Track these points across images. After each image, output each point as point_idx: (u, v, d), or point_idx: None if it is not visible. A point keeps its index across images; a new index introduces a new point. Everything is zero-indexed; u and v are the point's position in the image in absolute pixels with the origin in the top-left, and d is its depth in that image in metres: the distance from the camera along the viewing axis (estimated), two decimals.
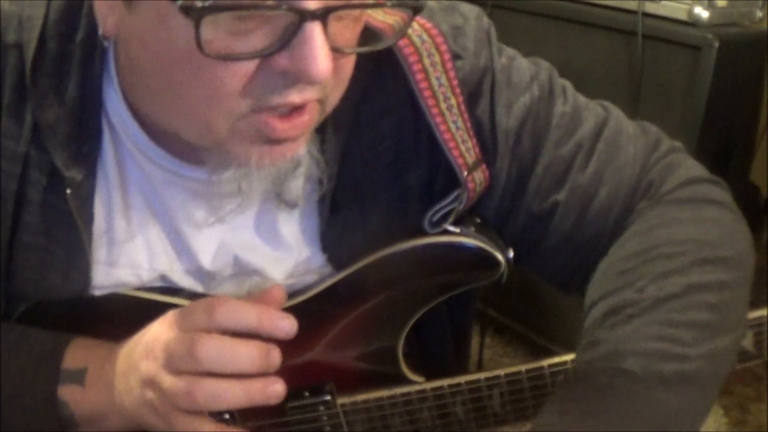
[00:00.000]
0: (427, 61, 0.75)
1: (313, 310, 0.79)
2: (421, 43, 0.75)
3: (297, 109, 0.63)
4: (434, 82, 0.75)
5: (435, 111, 0.75)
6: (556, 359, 0.80)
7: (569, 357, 0.79)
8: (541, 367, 0.80)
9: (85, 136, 0.71)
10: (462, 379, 0.80)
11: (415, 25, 0.75)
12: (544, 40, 1.79)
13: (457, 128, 0.76)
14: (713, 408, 2.10)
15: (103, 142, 0.73)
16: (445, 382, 0.80)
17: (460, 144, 0.77)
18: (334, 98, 0.67)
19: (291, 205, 0.76)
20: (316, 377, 0.80)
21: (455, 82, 0.76)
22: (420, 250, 0.78)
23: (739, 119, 1.76)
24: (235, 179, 0.67)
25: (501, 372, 0.80)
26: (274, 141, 0.64)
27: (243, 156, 0.64)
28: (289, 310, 0.78)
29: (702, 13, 1.58)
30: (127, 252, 0.76)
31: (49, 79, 0.70)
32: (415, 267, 0.79)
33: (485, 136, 0.79)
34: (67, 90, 0.70)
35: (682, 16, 1.61)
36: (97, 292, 0.76)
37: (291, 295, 0.79)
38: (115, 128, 0.73)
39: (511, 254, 0.80)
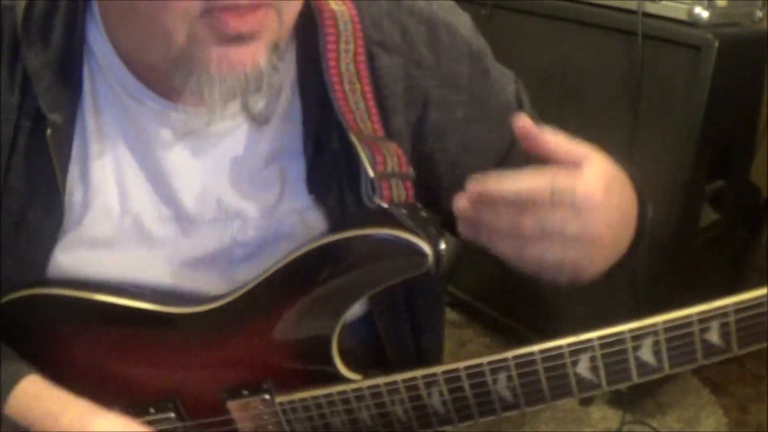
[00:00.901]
0: (342, 46, 0.79)
1: (247, 306, 0.79)
2: (344, 28, 0.79)
3: (251, 9, 0.66)
4: (342, 65, 0.79)
5: (337, 87, 0.79)
6: (521, 350, 0.78)
7: (536, 347, 0.80)
8: (505, 359, 0.78)
9: (68, 82, 0.76)
10: (399, 377, 0.77)
11: (345, 12, 0.79)
12: (544, 40, 1.78)
13: (358, 108, 0.79)
14: (713, 408, 2.10)
15: (83, 89, 0.77)
16: (381, 380, 0.78)
17: (357, 120, 0.79)
18: (290, 10, 0.71)
19: (261, 121, 0.79)
20: (254, 374, 0.80)
21: (364, 73, 0.79)
22: (339, 243, 0.77)
23: (739, 119, 1.76)
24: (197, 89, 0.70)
25: (461, 365, 0.75)
26: (231, 39, 0.67)
27: (204, 60, 0.68)
28: (225, 307, 0.79)
29: (702, 13, 1.59)
30: (101, 194, 0.79)
31: (37, 31, 0.76)
32: (336, 262, 0.77)
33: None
34: (52, 39, 0.76)
35: (682, 16, 1.61)
36: (67, 252, 0.78)
37: (221, 296, 0.80)
38: (100, 72, 0.77)
39: (443, 246, 0.76)
